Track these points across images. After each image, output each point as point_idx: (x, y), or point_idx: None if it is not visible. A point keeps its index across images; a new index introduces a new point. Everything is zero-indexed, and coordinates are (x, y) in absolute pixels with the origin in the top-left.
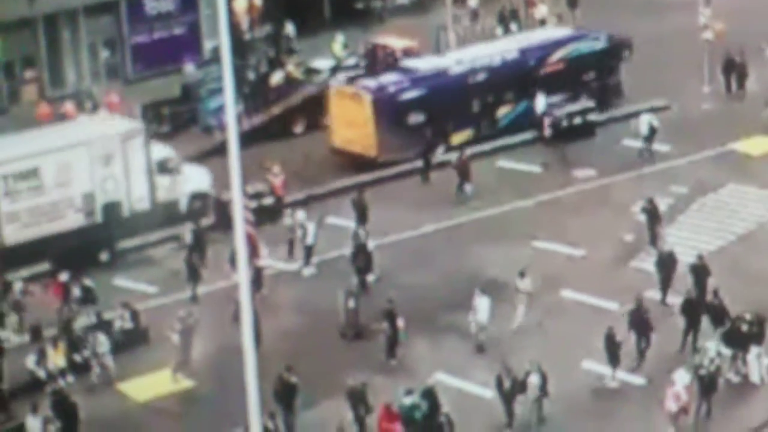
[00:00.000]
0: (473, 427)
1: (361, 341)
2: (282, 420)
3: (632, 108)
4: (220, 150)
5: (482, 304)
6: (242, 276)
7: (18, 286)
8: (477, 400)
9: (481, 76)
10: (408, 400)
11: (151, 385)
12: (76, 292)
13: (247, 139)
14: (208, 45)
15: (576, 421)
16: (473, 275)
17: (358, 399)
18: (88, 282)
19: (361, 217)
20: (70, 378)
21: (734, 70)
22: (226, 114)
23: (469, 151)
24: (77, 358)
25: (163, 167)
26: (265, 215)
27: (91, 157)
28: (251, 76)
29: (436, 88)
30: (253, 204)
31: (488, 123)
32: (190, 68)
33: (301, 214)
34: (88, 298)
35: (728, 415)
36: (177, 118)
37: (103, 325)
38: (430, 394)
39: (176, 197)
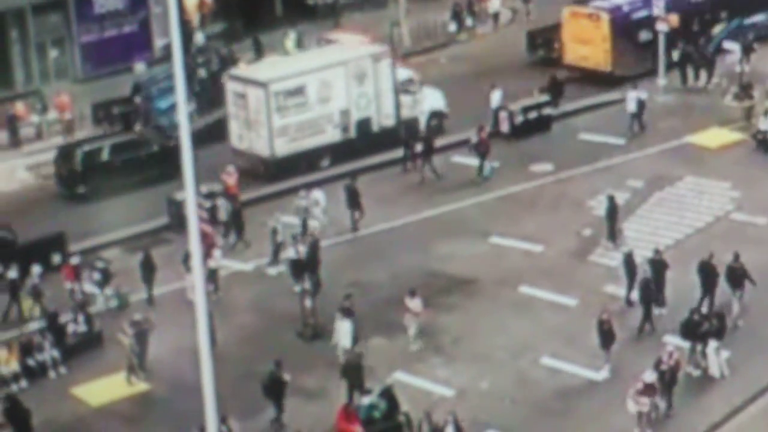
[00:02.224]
0: None
1: (319, 341)
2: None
3: (589, 101)
4: None
5: (344, 327)
6: (197, 276)
7: (36, 271)
8: (436, 399)
9: None
10: (366, 400)
11: (105, 389)
12: (95, 275)
13: (200, 138)
14: (158, 43)
15: (536, 418)
16: (431, 272)
17: (353, 371)
18: (101, 263)
19: (353, 203)
20: (24, 383)
21: (690, 62)
22: (177, 113)
23: (487, 128)
24: (31, 362)
25: (406, 87)
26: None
27: (347, 76)
28: (203, 74)
29: (663, 8)
30: (208, 203)
31: (705, 40)
32: (140, 67)
33: (316, 193)
34: (107, 278)
35: (689, 409)
36: (128, 117)
37: (56, 329)
38: (388, 394)
39: (416, 115)
